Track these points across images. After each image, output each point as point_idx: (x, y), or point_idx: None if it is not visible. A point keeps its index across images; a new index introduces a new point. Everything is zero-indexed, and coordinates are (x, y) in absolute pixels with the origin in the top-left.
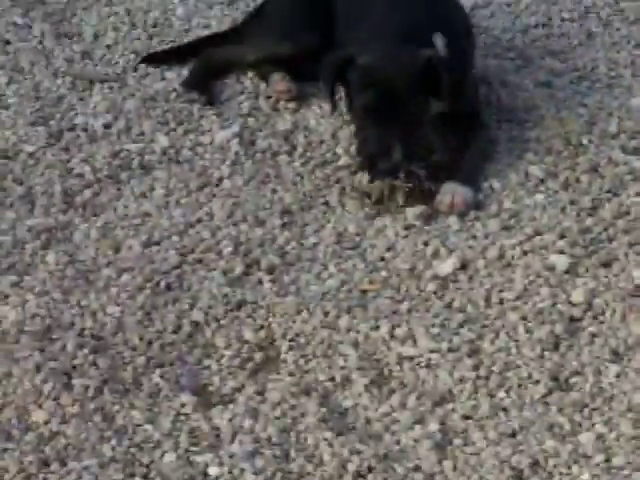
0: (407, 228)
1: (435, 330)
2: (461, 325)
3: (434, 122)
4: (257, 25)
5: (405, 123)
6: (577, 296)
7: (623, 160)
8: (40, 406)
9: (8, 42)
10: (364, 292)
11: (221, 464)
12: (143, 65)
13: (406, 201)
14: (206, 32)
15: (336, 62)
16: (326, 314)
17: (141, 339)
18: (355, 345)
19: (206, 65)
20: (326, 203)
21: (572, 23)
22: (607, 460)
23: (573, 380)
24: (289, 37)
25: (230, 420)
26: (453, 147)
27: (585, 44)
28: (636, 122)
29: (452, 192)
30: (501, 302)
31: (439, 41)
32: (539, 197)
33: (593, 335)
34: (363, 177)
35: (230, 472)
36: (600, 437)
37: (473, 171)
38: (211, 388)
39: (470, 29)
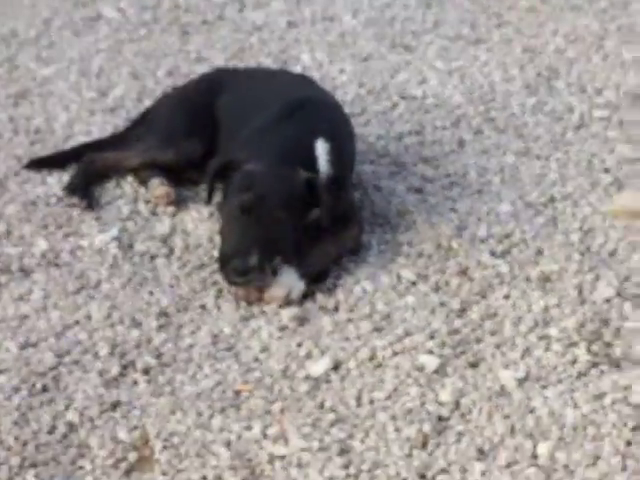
0: (281, 329)
1: (307, 429)
2: (332, 424)
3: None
4: (140, 132)
5: (269, 230)
6: (445, 396)
7: (491, 263)
8: None
9: None
10: (238, 392)
11: None
12: (24, 170)
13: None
14: (88, 138)
15: (222, 162)
16: (200, 414)
17: (16, 439)
18: (227, 445)
19: (87, 170)
20: (202, 305)
21: (444, 131)
22: None
23: (440, 478)
24: (172, 144)
25: None
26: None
27: (456, 151)
28: (504, 227)
29: (286, 285)
30: (372, 402)
31: (320, 147)
32: (410, 299)
33: (460, 434)
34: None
35: None
36: None
37: (314, 265)
38: None
39: (352, 135)
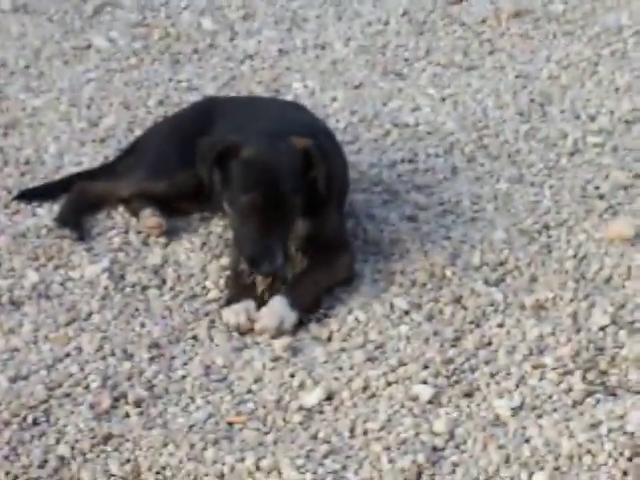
0: (274, 360)
1: (300, 461)
2: (326, 456)
3: (301, 244)
4: (131, 162)
5: (284, 224)
6: (439, 426)
7: (485, 292)
8: None
9: None
10: (231, 424)
11: None
12: (14, 202)
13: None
14: (78, 169)
15: (217, 148)
16: (192, 446)
17: (7, 474)
18: (221, 477)
19: (78, 201)
20: (194, 336)
21: (437, 158)
22: None
23: None
24: (164, 175)
25: None
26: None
27: (450, 179)
28: (498, 255)
29: (278, 316)
30: (365, 433)
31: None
32: (403, 328)
33: (455, 464)
34: (229, 312)
35: None
36: None
37: (305, 295)
38: None
39: (345, 164)
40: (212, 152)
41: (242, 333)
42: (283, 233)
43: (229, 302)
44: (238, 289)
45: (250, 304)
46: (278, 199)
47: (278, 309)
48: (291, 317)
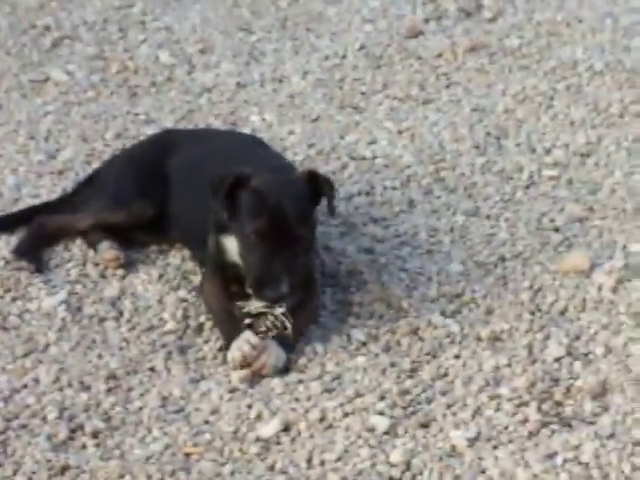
0: (231, 391)
1: None
2: None
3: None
4: (89, 193)
5: (292, 252)
6: (396, 456)
7: (442, 323)
8: None
9: None
10: (188, 455)
11: None
12: None
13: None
14: (36, 201)
15: (229, 179)
16: (149, 478)
17: None
18: None
19: (36, 233)
20: (152, 368)
21: (394, 191)
22: None
23: None
24: (123, 205)
25: None
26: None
27: (406, 211)
28: (454, 287)
29: (274, 355)
30: (322, 463)
31: None
32: (360, 359)
33: None
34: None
35: None
36: None
37: (298, 336)
38: None
39: None
40: (224, 184)
41: (249, 364)
42: (291, 262)
43: (228, 343)
44: (231, 328)
45: (248, 334)
46: (285, 227)
47: (273, 350)
48: (283, 356)
